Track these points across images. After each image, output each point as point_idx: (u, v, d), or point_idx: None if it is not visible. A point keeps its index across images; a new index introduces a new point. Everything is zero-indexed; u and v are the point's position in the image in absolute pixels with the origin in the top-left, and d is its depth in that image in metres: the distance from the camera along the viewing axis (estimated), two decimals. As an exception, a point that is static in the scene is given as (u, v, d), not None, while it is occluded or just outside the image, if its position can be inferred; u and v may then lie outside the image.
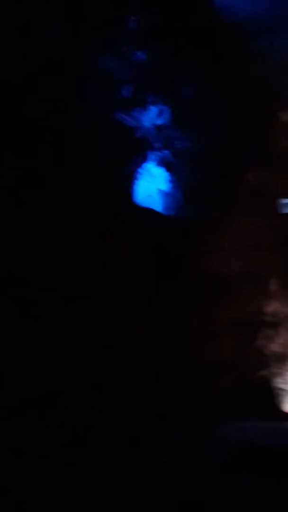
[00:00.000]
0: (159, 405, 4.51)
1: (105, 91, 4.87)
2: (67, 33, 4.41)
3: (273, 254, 6.05)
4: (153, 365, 4.74)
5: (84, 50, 4.60)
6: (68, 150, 4.58)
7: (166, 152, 5.28)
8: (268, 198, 6.17)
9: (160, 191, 5.33)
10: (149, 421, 4.32)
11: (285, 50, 5.16)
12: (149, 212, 5.15)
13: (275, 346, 5.93)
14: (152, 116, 5.27)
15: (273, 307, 5.96)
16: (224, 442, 3.77)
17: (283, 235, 6.44)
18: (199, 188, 4.69)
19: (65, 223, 4.40)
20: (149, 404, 4.49)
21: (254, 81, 5.63)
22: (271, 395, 5.87)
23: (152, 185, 5.36)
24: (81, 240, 4.47)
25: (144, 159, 5.35)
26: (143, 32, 5.00)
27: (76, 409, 4.13)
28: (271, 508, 2.91)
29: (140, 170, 5.36)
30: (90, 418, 4.18)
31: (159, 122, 5.25)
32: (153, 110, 5.25)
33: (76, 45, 4.50)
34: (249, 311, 5.47)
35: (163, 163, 5.29)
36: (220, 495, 3.08)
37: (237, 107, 5.35)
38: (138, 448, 3.93)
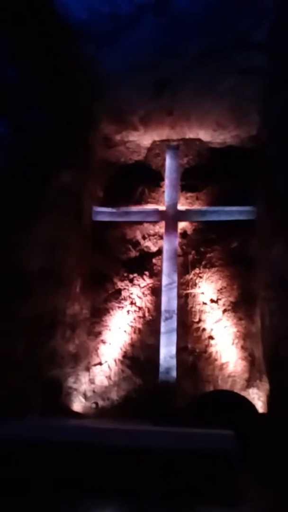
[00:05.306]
0: None
1: None
2: None
3: (79, 257, 6.26)
4: None
5: None
6: None
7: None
8: (80, 201, 6.38)
9: None
10: None
11: (110, 63, 5.44)
12: None
13: (71, 347, 6.11)
14: None
15: (72, 308, 6.15)
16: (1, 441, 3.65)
17: (91, 240, 6.76)
18: (11, 177, 4.48)
19: None
20: None
21: (80, 86, 5.77)
22: (63, 394, 6.01)
23: None
24: None
25: None
26: None
27: None
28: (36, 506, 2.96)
29: None
30: None
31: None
32: None
33: None
34: (48, 310, 5.49)
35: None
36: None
37: (60, 106, 5.37)
38: None
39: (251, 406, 5.33)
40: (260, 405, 5.69)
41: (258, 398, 5.80)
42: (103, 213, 6.93)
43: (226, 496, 3.13)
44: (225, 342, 6.23)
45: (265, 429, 4.74)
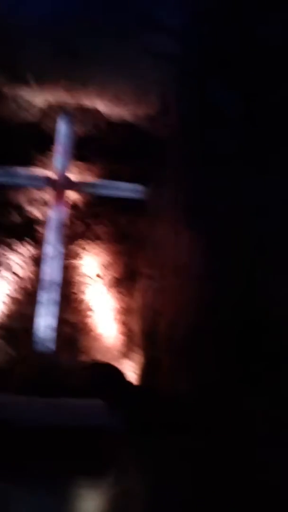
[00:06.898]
0: None
1: None
2: None
3: None
4: None
5: None
6: None
7: None
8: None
9: None
10: None
11: (27, 25, 4.90)
12: None
13: None
14: None
15: None
16: None
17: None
18: None
19: None
20: None
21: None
22: None
23: None
24: None
25: None
26: None
27: None
28: None
29: None
30: None
31: None
32: None
33: None
34: None
35: None
36: None
37: None
38: None
39: (125, 378, 5.61)
40: (133, 377, 6.02)
41: (132, 370, 6.11)
42: (-15, 172, 6.36)
43: (101, 466, 3.28)
44: (105, 316, 6.37)
45: (137, 399, 5.05)
